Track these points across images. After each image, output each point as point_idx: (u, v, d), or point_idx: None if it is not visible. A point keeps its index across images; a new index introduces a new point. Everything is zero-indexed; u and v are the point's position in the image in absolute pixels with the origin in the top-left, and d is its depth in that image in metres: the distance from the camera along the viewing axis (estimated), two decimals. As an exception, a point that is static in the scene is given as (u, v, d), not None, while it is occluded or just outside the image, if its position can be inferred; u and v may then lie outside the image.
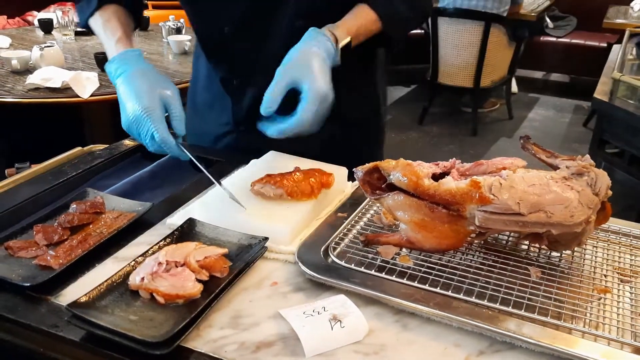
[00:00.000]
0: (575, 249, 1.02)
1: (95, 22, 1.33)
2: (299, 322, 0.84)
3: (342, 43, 1.21)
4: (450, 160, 1.05)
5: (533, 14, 5.17)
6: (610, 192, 0.96)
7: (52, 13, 3.97)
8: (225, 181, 1.20)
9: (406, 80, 6.26)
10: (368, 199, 1.18)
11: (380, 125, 1.60)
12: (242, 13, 1.31)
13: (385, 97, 1.60)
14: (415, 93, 6.10)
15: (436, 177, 0.99)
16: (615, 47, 3.46)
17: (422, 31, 5.80)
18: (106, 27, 1.31)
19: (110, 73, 1.22)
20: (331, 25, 1.23)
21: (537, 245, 1.03)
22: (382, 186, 1.02)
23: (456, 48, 4.77)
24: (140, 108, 1.13)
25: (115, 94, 1.20)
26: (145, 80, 1.17)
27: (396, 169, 0.98)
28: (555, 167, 1.02)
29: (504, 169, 0.99)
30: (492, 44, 4.63)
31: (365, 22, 1.28)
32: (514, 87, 5.86)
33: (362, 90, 1.50)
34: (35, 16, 4.29)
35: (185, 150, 1.15)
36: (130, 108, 1.14)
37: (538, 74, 6.50)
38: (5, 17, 4.51)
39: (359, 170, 1.04)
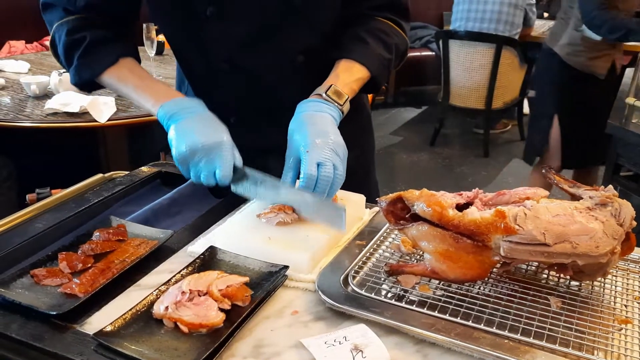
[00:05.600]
0: (595, 278, 1.02)
1: (115, 72, 1.28)
2: (320, 352, 0.85)
3: (344, 106, 1.25)
4: (473, 190, 1.05)
5: (545, 36, 5.19)
6: (634, 223, 0.96)
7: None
8: (242, 211, 1.22)
9: (417, 102, 6.30)
10: (386, 226, 1.19)
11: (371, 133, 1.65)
12: (240, 47, 1.29)
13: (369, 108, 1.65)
14: (426, 114, 6.12)
15: (460, 208, 0.99)
16: (629, 71, 3.46)
17: (433, 53, 5.84)
18: (142, 76, 1.28)
19: (174, 109, 1.18)
20: (332, 89, 1.24)
21: (560, 274, 1.03)
22: (406, 216, 1.02)
23: (468, 70, 4.79)
24: (224, 137, 1.14)
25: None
26: (217, 120, 1.19)
27: (420, 199, 0.99)
28: (578, 197, 1.02)
29: (528, 198, 1.00)
30: (503, 66, 4.65)
31: (361, 76, 1.31)
32: (526, 108, 5.85)
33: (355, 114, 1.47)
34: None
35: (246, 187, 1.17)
36: (204, 137, 1.13)
37: (550, 95, 6.48)
38: (24, 42, 4.57)
39: (383, 201, 1.05)
